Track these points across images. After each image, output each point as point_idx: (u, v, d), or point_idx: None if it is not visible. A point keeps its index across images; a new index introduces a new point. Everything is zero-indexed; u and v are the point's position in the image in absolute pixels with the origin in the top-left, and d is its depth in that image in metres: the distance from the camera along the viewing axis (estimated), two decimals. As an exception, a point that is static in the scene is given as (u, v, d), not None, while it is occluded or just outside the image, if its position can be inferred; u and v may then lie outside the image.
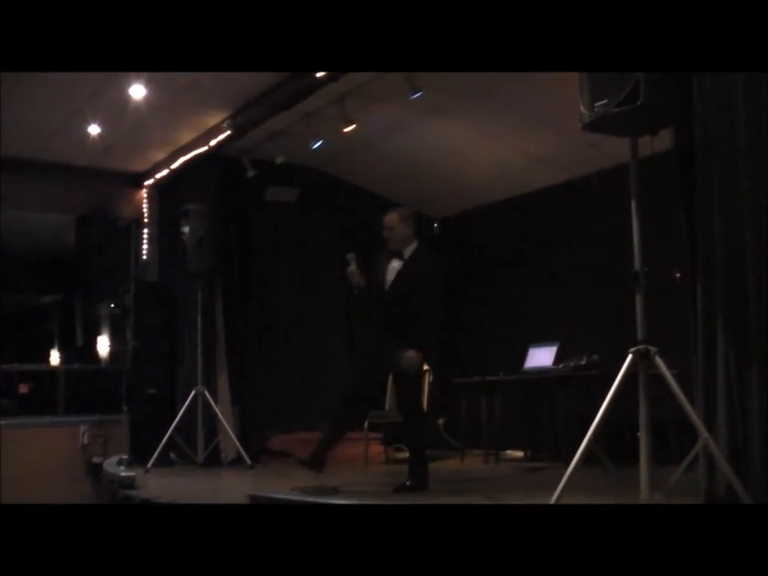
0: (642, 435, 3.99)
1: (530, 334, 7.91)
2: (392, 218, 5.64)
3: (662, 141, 4.11)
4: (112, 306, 13.32)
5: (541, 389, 7.45)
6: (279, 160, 7.80)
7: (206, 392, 7.71)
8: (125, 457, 7.92)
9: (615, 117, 3.87)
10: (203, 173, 8.30)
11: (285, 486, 5.65)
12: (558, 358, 7.22)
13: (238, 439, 7.75)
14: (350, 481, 6.07)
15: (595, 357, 6.82)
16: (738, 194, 3.73)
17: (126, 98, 6.68)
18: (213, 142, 7.72)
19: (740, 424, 3.70)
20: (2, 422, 8.57)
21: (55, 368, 13.09)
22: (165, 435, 7.49)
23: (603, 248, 7.39)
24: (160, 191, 9.08)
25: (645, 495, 3.87)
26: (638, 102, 3.74)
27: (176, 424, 7.57)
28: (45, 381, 11.22)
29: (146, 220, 9.12)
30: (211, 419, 7.79)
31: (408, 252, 5.60)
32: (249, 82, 6.60)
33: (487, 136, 7.62)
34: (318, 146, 7.54)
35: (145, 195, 9.13)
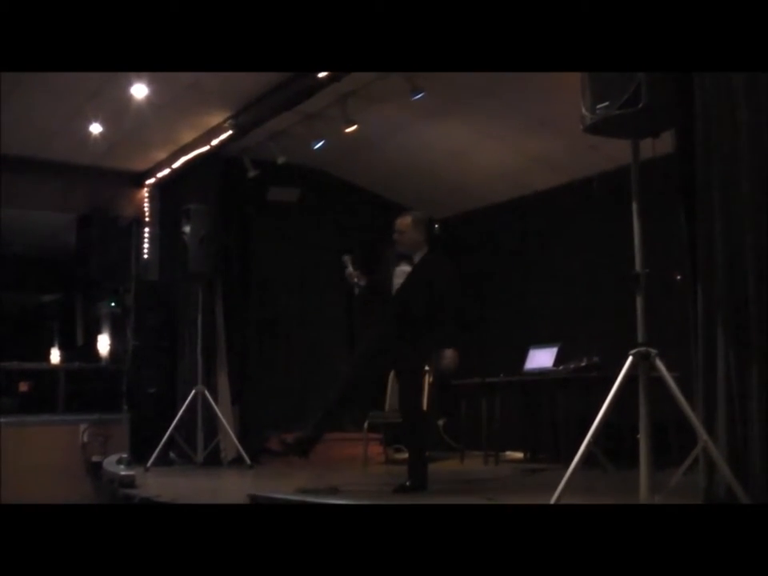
0: (642, 437, 3.99)
1: (531, 336, 7.91)
2: (405, 221, 5.63)
3: (663, 143, 4.11)
4: (112, 305, 13.31)
5: (541, 390, 7.46)
6: (280, 160, 7.81)
7: (206, 391, 7.71)
8: (125, 456, 7.92)
9: (617, 119, 3.87)
10: (204, 172, 8.31)
11: (285, 486, 5.65)
12: (559, 360, 7.22)
13: (238, 439, 7.76)
14: (349, 481, 6.07)
15: (595, 358, 6.82)
16: (739, 195, 3.73)
17: (128, 98, 6.69)
18: (214, 142, 7.73)
19: (740, 425, 3.70)
20: (2, 420, 8.57)
21: (55, 367, 13.08)
22: (165, 434, 7.49)
23: (604, 250, 7.39)
24: (161, 191, 9.09)
25: (644, 497, 3.87)
26: (640, 105, 3.74)
27: (176, 423, 7.57)
28: (45, 379, 11.21)
29: (146, 219, 9.12)
30: (211, 419, 7.79)
31: (418, 257, 5.61)
32: (250, 82, 6.61)
33: (488, 137, 7.62)
34: (320, 147, 7.55)
35: (146, 194, 9.13)
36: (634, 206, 4.12)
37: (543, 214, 8.31)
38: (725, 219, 3.78)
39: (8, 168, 8.06)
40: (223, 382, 8.18)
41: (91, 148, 7.78)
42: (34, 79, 6.09)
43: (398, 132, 7.74)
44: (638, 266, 4.08)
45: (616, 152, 4.75)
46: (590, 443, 3.94)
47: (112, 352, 13.71)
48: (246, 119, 7.32)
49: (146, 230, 9.10)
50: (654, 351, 3.94)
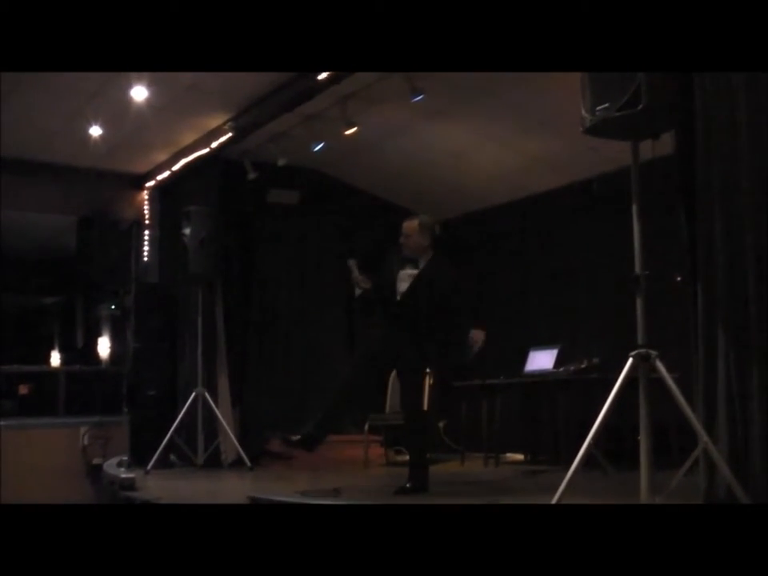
0: (643, 438, 3.98)
1: (531, 337, 7.91)
2: (411, 225, 5.63)
3: (663, 144, 4.11)
4: (113, 307, 13.34)
5: (541, 392, 7.45)
6: (280, 162, 7.81)
7: (207, 394, 7.70)
8: (125, 458, 7.92)
9: (616, 121, 3.86)
10: (204, 175, 8.31)
11: (285, 488, 5.65)
12: (559, 362, 7.22)
13: (238, 441, 7.75)
14: (350, 483, 6.07)
15: (596, 360, 6.82)
16: (739, 196, 3.73)
17: (128, 100, 6.69)
18: (214, 144, 7.73)
19: (740, 426, 3.70)
20: (3, 422, 8.57)
21: (56, 369, 13.11)
22: (165, 437, 7.48)
23: (604, 251, 7.39)
24: (161, 193, 9.09)
25: (645, 498, 3.87)
26: (640, 106, 3.74)
27: (176, 425, 7.56)
28: (45, 382, 11.24)
29: (147, 221, 9.13)
30: (211, 421, 7.78)
31: (423, 261, 5.61)
32: (250, 84, 6.61)
33: (488, 139, 7.62)
34: (320, 149, 7.55)
35: (146, 197, 9.14)
36: (634, 208, 4.12)
37: (543, 216, 8.31)
38: (725, 220, 3.78)
39: (8, 170, 8.07)
40: (223, 384, 8.18)
41: (91, 150, 7.78)
42: (34, 81, 6.10)
43: (398, 134, 7.74)
44: (638, 268, 4.08)
45: (616, 153, 4.74)
46: (590, 445, 3.94)
47: (112, 354, 13.74)
48: (246, 121, 7.32)
49: (146, 232, 9.11)
50: (654, 353, 3.94)
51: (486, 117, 7.21)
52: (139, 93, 6.62)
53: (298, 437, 5.49)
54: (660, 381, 3.88)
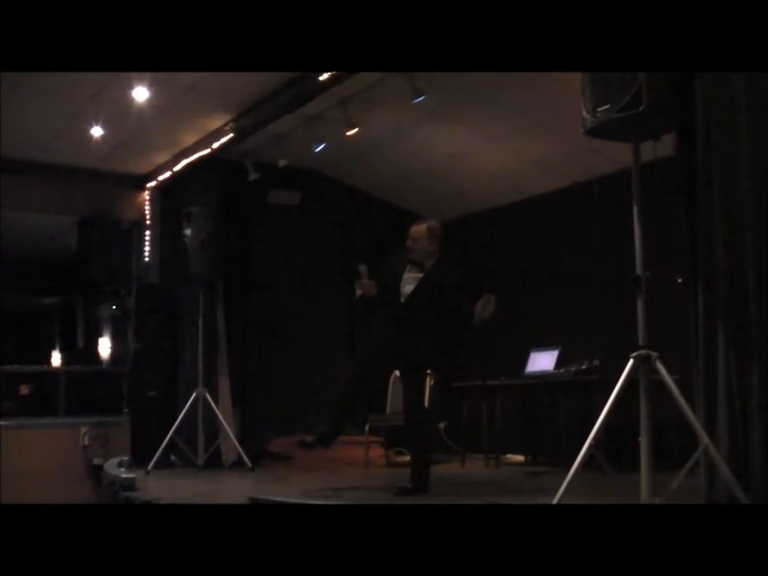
0: (643, 440, 3.99)
1: (532, 339, 7.91)
2: (420, 230, 5.63)
3: (663, 146, 4.11)
4: (113, 307, 13.35)
5: (542, 393, 7.46)
6: (281, 163, 7.81)
7: (207, 394, 7.70)
8: (125, 458, 7.93)
9: (617, 122, 3.87)
10: (205, 175, 8.31)
11: (285, 489, 5.64)
12: (560, 363, 7.22)
13: (239, 441, 7.74)
14: (350, 484, 6.07)
15: (596, 361, 6.82)
16: (739, 196, 3.73)
17: (129, 100, 6.69)
18: (215, 145, 7.73)
19: (741, 427, 3.70)
20: (3, 423, 8.58)
21: (56, 369, 13.11)
22: (165, 437, 7.48)
23: (605, 253, 7.39)
24: (162, 193, 9.10)
25: (645, 500, 3.87)
26: (640, 108, 3.74)
27: (177, 426, 7.56)
28: (46, 382, 11.23)
29: (147, 222, 9.14)
30: (212, 421, 7.78)
31: (428, 264, 5.62)
32: (252, 85, 6.61)
33: (489, 140, 7.63)
34: (321, 150, 7.56)
35: (147, 197, 9.14)
36: (635, 209, 4.12)
37: (544, 217, 8.31)
38: (725, 220, 3.78)
39: (9, 171, 8.07)
40: (224, 385, 8.18)
41: (92, 151, 7.79)
42: (35, 81, 6.10)
43: (399, 135, 7.74)
44: (638, 269, 4.08)
45: (617, 155, 4.76)
46: (590, 446, 3.94)
47: (113, 355, 13.75)
48: (247, 122, 7.32)
49: (147, 232, 9.11)
50: (654, 354, 3.94)
51: (486, 118, 7.21)
52: (140, 93, 6.62)
53: (313, 438, 5.55)
54: (660, 382, 3.88)
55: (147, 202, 9.14)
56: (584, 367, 6.87)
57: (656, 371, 3.92)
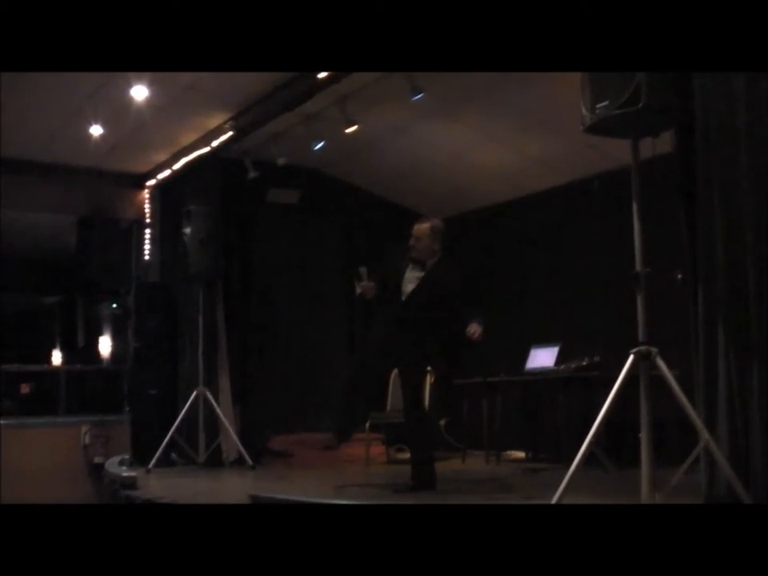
0: (644, 436, 3.99)
1: (532, 335, 7.91)
2: (422, 229, 5.63)
3: (663, 143, 4.12)
4: (113, 306, 13.35)
5: (542, 390, 7.45)
6: (281, 161, 7.81)
7: (208, 392, 7.71)
8: (126, 457, 7.94)
9: (617, 119, 3.88)
10: (205, 174, 8.31)
11: (286, 487, 5.65)
12: (560, 359, 7.22)
13: (240, 440, 7.75)
14: (351, 481, 6.08)
15: (596, 358, 6.82)
16: (739, 196, 3.74)
17: (128, 99, 6.69)
18: (214, 143, 7.73)
19: (741, 424, 3.71)
20: (4, 422, 8.58)
21: (57, 368, 13.11)
22: (166, 435, 7.48)
23: (604, 249, 7.38)
24: (161, 192, 9.10)
25: (646, 496, 3.88)
26: (640, 105, 3.75)
27: (177, 424, 7.57)
28: (46, 381, 11.23)
29: (147, 221, 9.14)
30: (212, 420, 7.78)
31: (430, 264, 5.62)
32: (250, 84, 6.61)
33: (488, 138, 7.62)
34: (320, 148, 7.55)
35: (146, 196, 9.14)
36: (635, 206, 4.13)
37: (543, 214, 8.30)
38: (725, 218, 3.79)
39: (8, 170, 8.06)
40: (224, 383, 8.18)
41: (92, 150, 7.78)
42: (34, 81, 6.09)
43: (398, 133, 7.74)
44: (638, 265, 4.09)
45: (616, 152, 4.76)
46: (591, 442, 3.95)
47: (113, 353, 13.75)
48: (246, 120, 7.32)
49: (147, 231, 9.12)
50: (654, 350, 3.95)
51: (486, 116, 7.21)
52: (139, 92, 6.62)
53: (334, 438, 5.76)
54: (661, 378, 3.89)
55: (147, 201, 9.14)
56: (584, 363, 6.87)
57: (656, 367, 3.93)
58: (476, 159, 8.06)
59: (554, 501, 3.90)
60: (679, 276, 4.65)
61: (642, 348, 3.97)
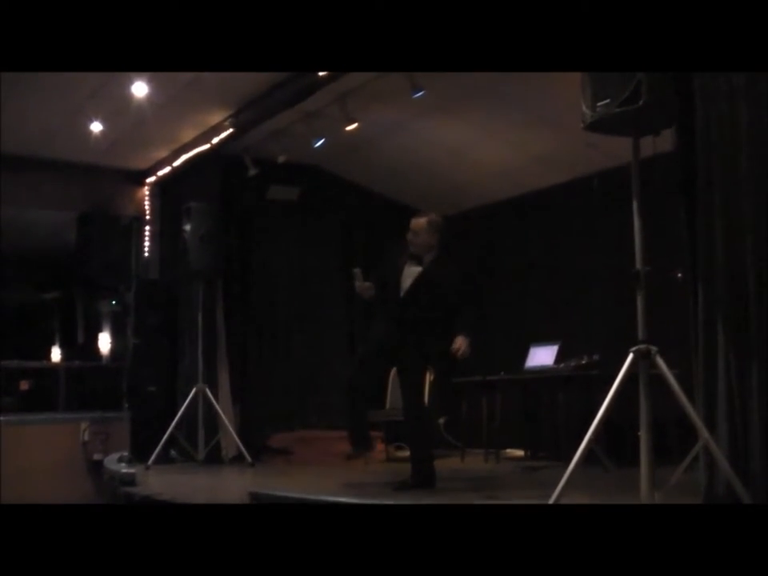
0: (643, 435, 3.99)
1: (531, 334, 7.91)
2: (420, 223, 5.62)
3: (663, 141, 4.12)
4: (113, 303, 13.33)
5: (542, 388, 7.45)
6: (281, 158, 7.81)
7: (207, 390, 7.71)
8: (125, 454, 7.93)
9: (617, 117, 3.87)
10: (205, 171, 8.31)
11: (286, 484, 5.64)
12: (559, 358, 7.22)
13: (239, 437, 7.75)
14: (351, 479, 6.08)
15: (596, 356, 6.82)
16: (739, 194, 3.74)
17: (128, 96, 6.69)
18: (215, 140, 7.73)
19: (740, 424, 3.71)
20: (3, 419, 8.58)
21: (56, 365, 13.09)
22: (165, 432, 7.49)
23: (604, 247, 7.39)
24: (162, 189, 9.10)
25: (645, 495, 3.88)
26: (640, 103, 3.74)
27: (177, 421, 7.57)
28: (46, 378, 11.22)
29: (147, 218, 9.14)
30: (212, 417, 7.79)
31: (427, 259, 5.61)
32: (251, 81, 6.61)
33: (488, 135, 7.62)
34: (320, 145, 7.55)
35: (146, 193, 9.15)
36: (635, 204, 4.12)
37: (543, 212, 8.30)
38: (725, 218, 3.79)
39: (8, 167, 8.07)
40: (224, 380, 8.18)
41: (92, 146, 7.78)
42: (34, 78, 6.09)
43: (398, 130, 7.74)
44: (638, 264, 4.09)
45: (617, 150, 4.75)
46: (590, 441, 3.95)
47: (113, 350, 13.73)
48: (246, 118, 7.32)
49: (147, 228, 9.12)
50: (654, 348, 3.95)
51: (486, 113, 7.21)
52: (139, 89, 6.62)
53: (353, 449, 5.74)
54: (660, 377, 3.89)
55: (147, 198, 9.14)
56: (584, 362, 6.86)
57: (656, 366, 3.93)
58: (476, 157, 8.05)
59: (552, 499, 3.90)
60: (679, 275, 4.65)
61: (642, 347, 3.97)
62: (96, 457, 8.60)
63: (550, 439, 7.43)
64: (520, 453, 8.03)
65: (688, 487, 3.85)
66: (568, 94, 4.37)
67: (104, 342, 14.14)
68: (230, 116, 7.42)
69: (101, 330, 14.28)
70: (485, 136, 7.63)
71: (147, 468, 7.24)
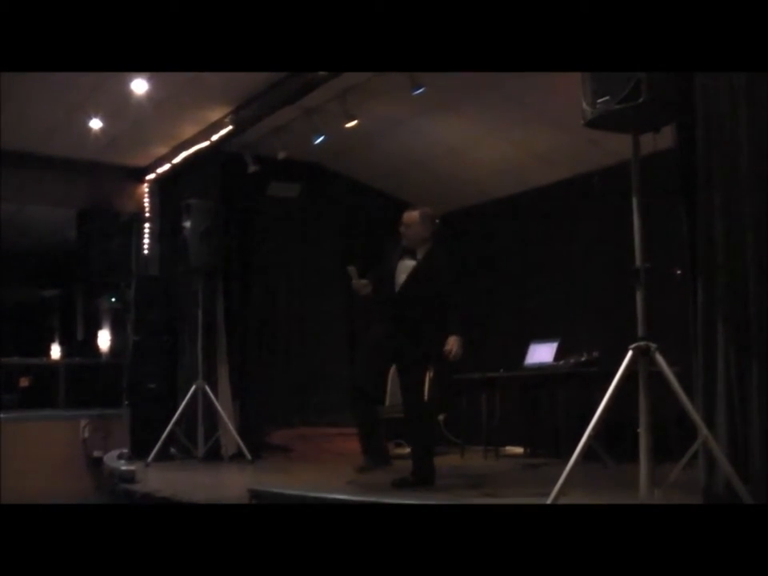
0: (642, 432, 3.99)
1: (531, 331, 7.92)
2: (412, 216, 5.62)
3: (663, 138, 4.11)
4: (113, 300, 13.32)
5: (541, 385, 7.46)
6: (281, 155, 7.81)
7: (207, 387, 7.71)
8: (125, 451, 7.94)
9: (617, 113, 3.87)
10: (205, 168, 8.31)
11: (285, 481, 5.64)
12: (559, 355, 7.23)
13: (239, 434, 7.75)
14: (350, 476, 6.07)
15: (596, 353, 6.83)
16: (739, 192, 3.74)
17: (128, 93, 6.68)
18: (215, 137, 7.73)
19: (740, 421, 3.71)
20: (3, 415, 8.58)
21: (56, 362, 13.08)
22: (165, 430, 7.49)
23: (604, 245, 7.39)
24: (161, 186, 9.09)
25: (644, 492, 3.88)
26: (640, 99, 3.74)
27: (176, 418, 7.57)
28: (45, 375, 11.21)
29: (147, 215, 9.13)
30: (212, 414, 7.79)
31: (421, 252, 5.60)
32: (251, 78, 6.60)
33: (488, 132, 7.62)
34: (320, 142, 7.55)
35: (146, 190, 9.14)
36: (635, 201, 4.12)
37: (543, 209, 8.30)
38: (725, 217, 3.79)
39: (8, 163, 8.06)
40: (224, 377, 8.18)
41: (91, 143, 7.78)
42: (34, 75, 6.07)
43: (399, 127, 7.74)
44: (638, 261, 4.08)
45: (617, 147, 4.75)
46: (589, 438, 3.95)
47: (112, 347, 13.72)
48: (246, 114, 7.31)
49: (147, 225, 9.11)
50: (653, 346, 3.95)
51: (487, 110, 7.21)
52: (139, 86, 6.62)
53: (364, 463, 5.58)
54: (660, 374, 3.89)
55: (146, 195, 9.13)
56: (583, 359, 6.87)
57: (655, 363, 3.93)
58: (476, 154, 8.05)
59: (551, 496, 3.90)
60: (678, 272, 4.65)
61: (641, 344, 3.97)
62: (96, 454, 8.60)
63: (550, 436, 7.44)
64: (519, 450, 8.04)
65: (687, 484, 3.85)
66: (568, 91, 4.36)
67: (104, 339, 14.14)
68: (230, 113, 7.42)
69: (101, 327, 14.27)
70: (485, 133, 7.63)
71: (147, 465, 7.25)
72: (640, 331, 4.03)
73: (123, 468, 6.93)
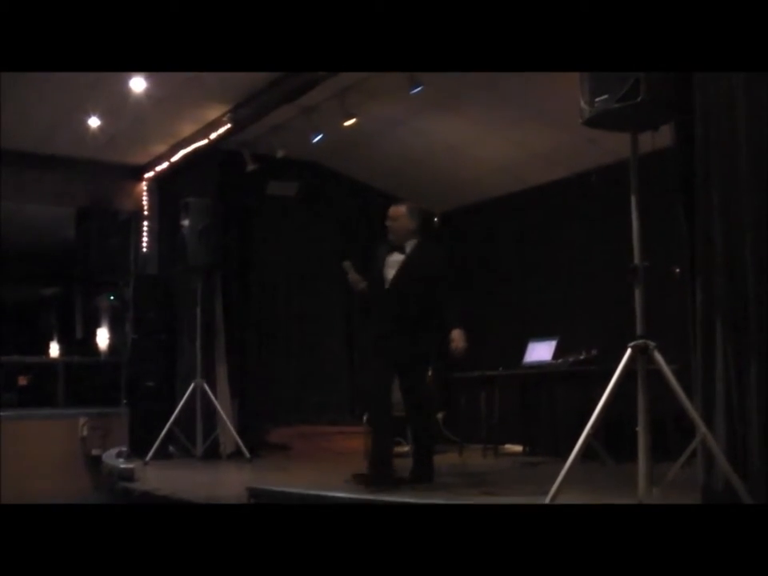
0: (641, 430, 3.99)
1: (530, 329, 7.93)
2: (398, 210, 5.62)
3: (662, 137, 4.11)
4: (112, 298, 13.33)
5: (540, 383, 7.47)
6: (279, 154, 7.81)
7: (205, 385, 7.71)
8: (124, 449, 7.94)
9: (616, 112, 3.87)
10: (203, 166, 8.30)
11: (284, 479, 5.64)
12: (558, 353, 7.23)
13: (237, 432, 7.76)
14: (349, 474, 6.07)
15: (594, 352, 6.83)
16: (738, 191, 3.74)
17: (127, 91, 6.68)
18: (213, 136, 7.73)
19: (738, 420, 3.71)
20: (2, 414, 8.58)
21: (55, 360, 13.10)
22: (164, 428, 7.49)
23: (603, 243, 7.39)
24: (160, 184, 9.09)
25: (643, 490, 3.88)
26: (639, 98, 3.74)
27: (175, 417, 7.57)
28: (44, 373, 11.22)
29: (145, 213, 9.13)
30: (210, 412, 7.79)
31: (408, 247, 5.58)
32: (249, 76, 6.59)
33: (487, 131, 7.62)
34: (319, 140, 7.55)
35: (145, 188, 9.14)
36: (633, 199, 4.12)
37: (542, 208, 8.31)
38: (724, 215, 3.79)
39: (7, 162, 8.06)
40: (222, 376, 8.18)
41: (90, 142, 7.78)
42: (33, 74, 6.08)
43: (397, 125, 7.74)
44: (636, 259, 4.08)
45: (615, 145, 4.75)
46: (588, 436, 3.95)
47: (111, 346, 13.73)
48: (244, 113, 7.31)
49: (145, 223, 9.11)
50: (652, 344, 3.95)
51: (485, 109, 7.21)
52: (138, 84, 6.62)
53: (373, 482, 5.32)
54: (658, 372, 3.89)
55: (145, 193, 9.13)
56: (582, 357, 6.88)
57: (654, 361, 3.93)
58: (475, 152, 8.06)
59: (550, 494, 3.91)
60: (677, 270, 4.65)
61: (640, 342, 3.97)
62: (94, 452, 8.61)
63: (548, 434, 7.45)
64: (518, 448, 8.04)
65: (686, 483, 3.86)
66: (567, 90, 4.37)
67: (102, 337, 14.15)
68: (229, 111, 7.42)
69: (99, 326, 14.29)
70: (484, 132, 7.63)
71: (145, 463, 7.25)
72: (639, 330, 4.03)
73: (122, 466, 6.93)
